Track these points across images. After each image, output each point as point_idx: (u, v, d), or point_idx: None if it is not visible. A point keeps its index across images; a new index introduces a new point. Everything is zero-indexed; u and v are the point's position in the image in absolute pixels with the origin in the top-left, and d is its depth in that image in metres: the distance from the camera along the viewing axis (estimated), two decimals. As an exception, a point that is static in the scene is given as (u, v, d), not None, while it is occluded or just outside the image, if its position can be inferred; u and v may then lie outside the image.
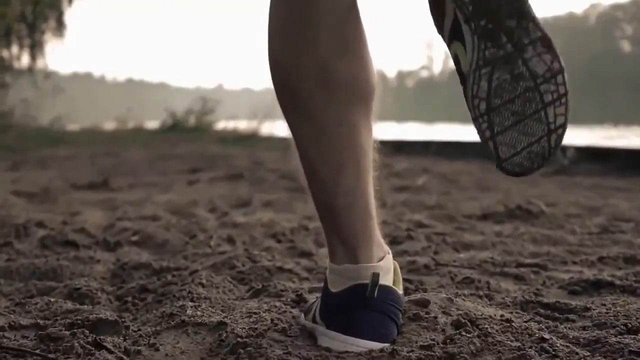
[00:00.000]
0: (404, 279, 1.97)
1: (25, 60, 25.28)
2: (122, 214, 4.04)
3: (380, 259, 1.66)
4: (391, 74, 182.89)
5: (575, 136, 18.22)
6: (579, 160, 7.70)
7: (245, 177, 6.47)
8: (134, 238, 3.28)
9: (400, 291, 1.71)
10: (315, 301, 1.82)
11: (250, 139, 14.42)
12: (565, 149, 7.90)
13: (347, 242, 1.65)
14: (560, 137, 1.51)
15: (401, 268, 1.88)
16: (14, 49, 25.50)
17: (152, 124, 20.32)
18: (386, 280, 1.65)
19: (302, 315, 1.84)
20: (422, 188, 5.68)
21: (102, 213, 4.17)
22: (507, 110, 1.49)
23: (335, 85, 1.60)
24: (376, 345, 1.58)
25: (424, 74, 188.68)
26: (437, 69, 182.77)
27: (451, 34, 1.56)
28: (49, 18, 25.77)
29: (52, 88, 19.61)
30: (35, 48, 25.48)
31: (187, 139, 14.89)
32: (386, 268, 1.66)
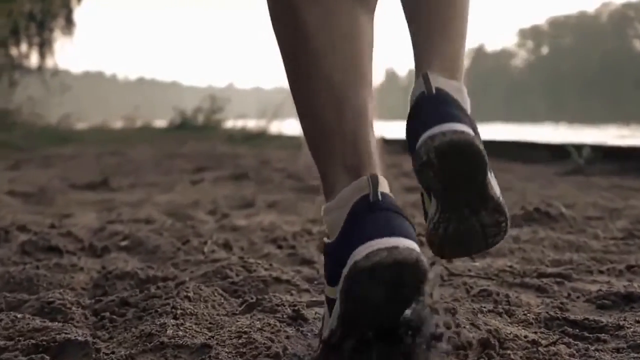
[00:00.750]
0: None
1: (34, 58, 25.27)
2: (116, 216, 3.82)
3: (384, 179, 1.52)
4: (402, 72, 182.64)
5: (588, 135, 18.04)
6: (594, 159, 7.45)
7: (251, 177, 6.25)
8: (124, 243, 3.05)
9: None
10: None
11: (259, 138, 14.21)
12: (580, 147, 7.68)
13: (352, 167, 1.51)
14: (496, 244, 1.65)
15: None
16: (23, 47, 25.50)
17: (162, 123, 20.18)
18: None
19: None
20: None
21: (95, 215, 3.94)
22: (455, 243, 1.58)
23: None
24: (403, 241, 1.34)
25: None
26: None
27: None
28: (58, 16, 25.70)
29: (60, 86, 19.43)
30: (45, 46, 25.41)
31: (195, 137, 14.70)
32: (386, 185, 1.49)
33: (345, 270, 1.35)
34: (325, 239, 1.50)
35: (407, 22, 1.68)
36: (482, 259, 2.71)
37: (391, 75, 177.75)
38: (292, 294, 2.18)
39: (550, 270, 2.49)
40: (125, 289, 2.26)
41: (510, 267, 2.52)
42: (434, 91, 1.53)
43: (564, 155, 7.87)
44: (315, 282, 2.34)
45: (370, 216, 1.39)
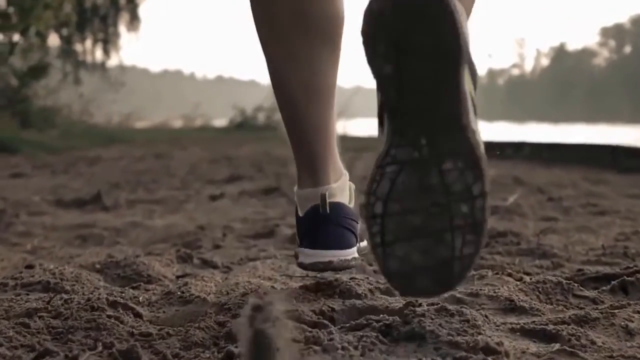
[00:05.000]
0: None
1: (99, 55, 24.62)
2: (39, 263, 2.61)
3: (337, 180, 1.90)
4: (482, 72, 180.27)
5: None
6: None
7: (283, 191, 5.06)
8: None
9: (352, 206, 1.91)
10: None
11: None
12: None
13: (312, 168, 1.88)
14: (467, 266, 1.32)
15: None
16: (88, 43, 24.89)
17: (222, 122, 19.33)
18: (342, 198, 1.90)
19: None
20: (514, 210, 4.18)
21: (20, 256, 2.75)
22: (405, 221, 1.31)
23: (312, 26, 1.73)
24: (339, 253, 1.82)
25: (515, 72, 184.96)
26: (528, 66, 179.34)
27: (378, 111, 1.41)
28: (122, 11, 25.13)
29: (113, 83, 18.63)
30: (109, 43, 24.82)
31: (254, 138, 13.63)
32: (341, 188, 1.90)
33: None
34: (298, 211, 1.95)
35: None
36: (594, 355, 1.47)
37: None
38: None
39: None
40: None
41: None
42: None
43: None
44: None
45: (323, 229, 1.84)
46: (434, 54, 1.28)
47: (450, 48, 1.28)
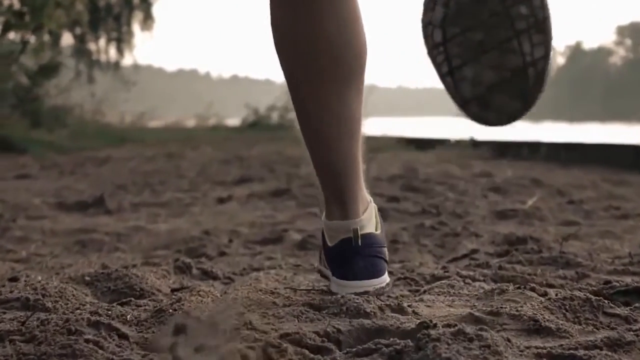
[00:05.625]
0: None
1: (112, 53, 24.53)
2: (25, 274, 2.43)
3: (365, 210, 1.90)
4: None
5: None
6: None
7: (294, 193, 4.89)
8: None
9: (379, 231, 1.93)
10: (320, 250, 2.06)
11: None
12: None
13: (340, 200, 1.88)
14: (541, 73, 1.26)
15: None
16: (102, 42, 24.80)
17: (235, 121, 19.15)
18: (370, 227, 1.90)
19: (318, 262, 2.11)
20: (534, 214, 4.00)
21: (9, 266, 2.59)
22: (467, 40, 1.27)
23: (334, 61, 1.68)
24: (373, 282, 1.88)
25: None
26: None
27: None
28: (136, 10, 25.05)
29: (125, 82, 18.51)
30: (123, 42, 24.74)
31: (267, 138, 13.45)
32: (369, 216, 1.90)
33: None
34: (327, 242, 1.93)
35: None
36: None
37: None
38: None
39: None
40: None
41: None
42: None
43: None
44: None
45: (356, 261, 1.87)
46: None
47: None
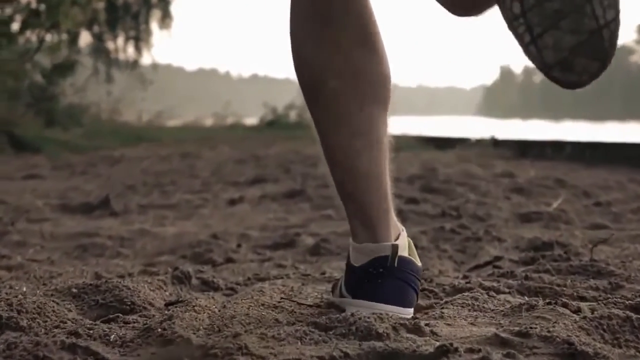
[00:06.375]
0: None
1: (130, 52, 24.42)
2: (8, 286, 2.24)
3: (397, 238, 1.76)
4: (518, 69, 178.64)
5: None
6: None
7: (308, 195, 4.70)
8: None
9: (418, 263, 1.78)
10: (339, 279, 1.88)
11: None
12: None
13: (366, 223, 1.75)
14: (614, 33, 1.36)
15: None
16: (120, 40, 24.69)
17: (253, 120, 18.99)
18: (404, 253, 1.74)
19: (331, 293, 1.92)
20: (559, 217, 3.80)
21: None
22: (545, 9, 1.35)
23: (353, 76, 1.69)
24: (399, 310, 1.68)
25: None
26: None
27: None
28: (154, 8, 24.95)
29: (142, 81, 18.38)
30: (141, 41, 24.63)
31: (285, 137, 13.28)
32: (402, 245, 1.75)
33: None
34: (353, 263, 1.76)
35: None
36: None
37: (506, 73, 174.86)
38: None
39: None
40: None
41: None
42: None
43: None
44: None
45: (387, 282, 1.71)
46: None
47: None
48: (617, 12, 1.36)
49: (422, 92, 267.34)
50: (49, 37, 13.82)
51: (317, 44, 1.71)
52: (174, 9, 24.61)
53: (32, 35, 13.48)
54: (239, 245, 3.21)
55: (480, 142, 10.25)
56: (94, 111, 15.13)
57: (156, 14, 24.90)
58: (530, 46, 1.37)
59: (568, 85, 1.37)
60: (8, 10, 13.21)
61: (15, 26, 13.08)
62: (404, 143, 10.44)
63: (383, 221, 1.75)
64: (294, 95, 16.66)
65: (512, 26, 1.38)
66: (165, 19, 24.93)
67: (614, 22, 1.35)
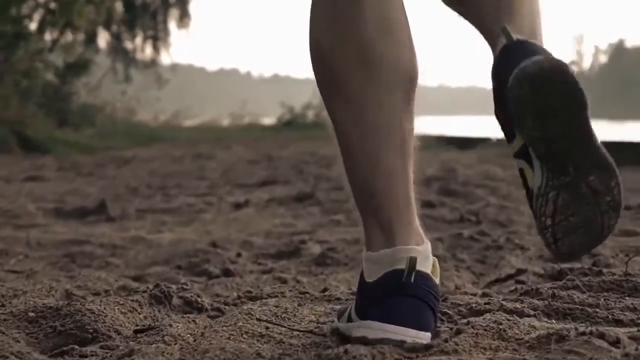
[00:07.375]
0: None
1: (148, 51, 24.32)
2: None
3: (419, 245, 1.60)
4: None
5: None
6: None
7: (318, 198, 4.44)
8: None
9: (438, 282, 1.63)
10: (348, 304, 1.73)
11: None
12: None
13: (385, 225, 1.61)
14: (612, 229, 1.58)
15: None
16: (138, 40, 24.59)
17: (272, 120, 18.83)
18: (424, 267, 1.58)
19: (336, 320, 1.74)
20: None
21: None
22: (569, 223, 1.56)
23: (377, 67, 1.61)
24: (413, 333, 1.51)
25: (573, 69, 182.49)
26: (586, 64, 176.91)
27: (519, 153, 1.58)
28: (172, 8, 24.87)
29: (157, 80, 18.26)
30: (159, 40, 24.53)
31: (302, 137, 13.06)
32: (424, 254, 1.59)
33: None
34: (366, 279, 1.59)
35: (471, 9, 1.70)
36: None
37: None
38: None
39: None
40: None
41: None
42: (515, 39, 1.54)
43: None
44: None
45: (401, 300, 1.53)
46: (572, 111, 1.50)
47: (583, 102, 1.50)
48: (617, 218, 1.57)
49: (443, 92, 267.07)
50: (65, 36, 13.67)
51: (337, 34, 1.62)
52: (193, 8, 24.43)
53: (47, 35, 13.33)
54: (238, 255, 2.97)
55: (501, 142, 9.99)
56: (108, 111, 14.96)
57: (174, 13, 24.81)
58: (552, 246, 1.56)
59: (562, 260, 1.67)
60: (25, 10, 13.06)
61: (32, 26, 12.93)
62: (424, 143, 10.20)
63: (404, 224, 1.61)
64: (312, 94, 16.47)
65: (541, 233, 1.56)
66: (184, 18, 24.83)
67: (614, 225, 1.57)
